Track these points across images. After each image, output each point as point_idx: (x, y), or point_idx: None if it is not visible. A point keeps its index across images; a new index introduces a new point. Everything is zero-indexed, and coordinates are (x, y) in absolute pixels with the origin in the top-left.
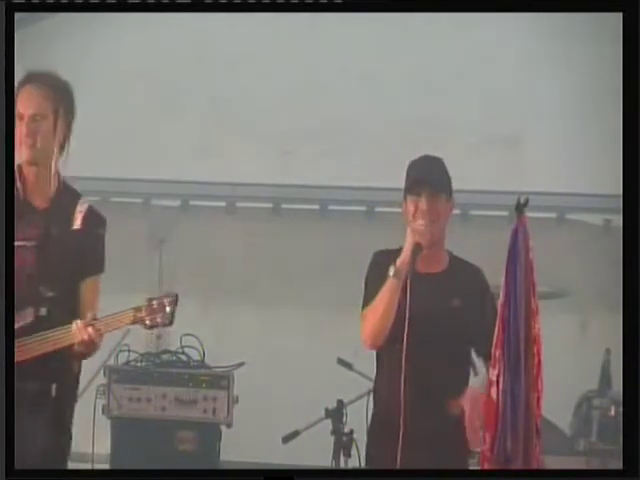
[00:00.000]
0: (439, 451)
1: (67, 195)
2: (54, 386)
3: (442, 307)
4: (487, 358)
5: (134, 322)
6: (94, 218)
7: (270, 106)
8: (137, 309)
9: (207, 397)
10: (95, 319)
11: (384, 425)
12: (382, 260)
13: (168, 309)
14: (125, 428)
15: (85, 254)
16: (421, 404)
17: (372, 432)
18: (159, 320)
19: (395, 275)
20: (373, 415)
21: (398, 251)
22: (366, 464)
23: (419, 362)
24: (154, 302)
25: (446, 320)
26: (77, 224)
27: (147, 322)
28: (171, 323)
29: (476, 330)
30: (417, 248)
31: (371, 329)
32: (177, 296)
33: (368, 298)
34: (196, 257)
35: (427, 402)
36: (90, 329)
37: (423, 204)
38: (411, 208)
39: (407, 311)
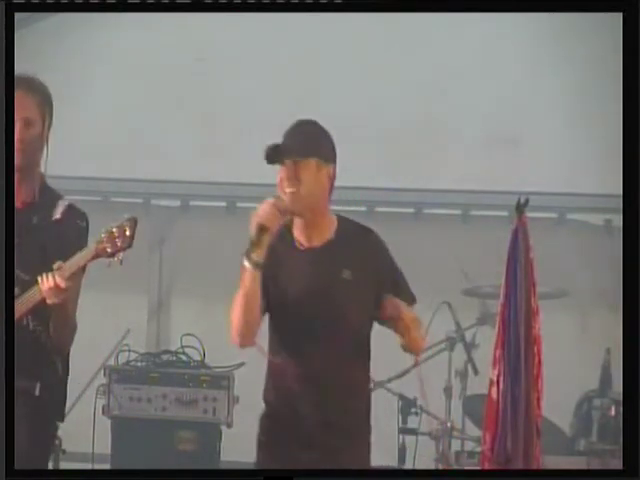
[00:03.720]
0: (341, 440)
1: (49, 195)
2: (38, 385)
3: (331, 281)
4: (390, 324)
5: (97, 255)
6: (74, 212)
7: (270, 106)
8: (98, 241)
9: (207, 397)
10: (59, 267)
11: (277, 416)
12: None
13: (128, 232)
14: (125, 428)
15: (66, 244)
16: (315, 395)
17: (263, 424)
18: (119, 244)
19: (249, 265)
20: (266, 407)
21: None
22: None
23: (310, 347)
24: (114, 229)
25: (337, 294)
26: (57, 215)
27: (108, 249)
28: (130, 245)
29: (372, 297)
30: (261, 231)
31: (236, 326)
32: (136, 220)
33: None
34: (196, 257)
35: (323, 393)
36: (55, 275)
37: (284, 171)
38: (278, 177)
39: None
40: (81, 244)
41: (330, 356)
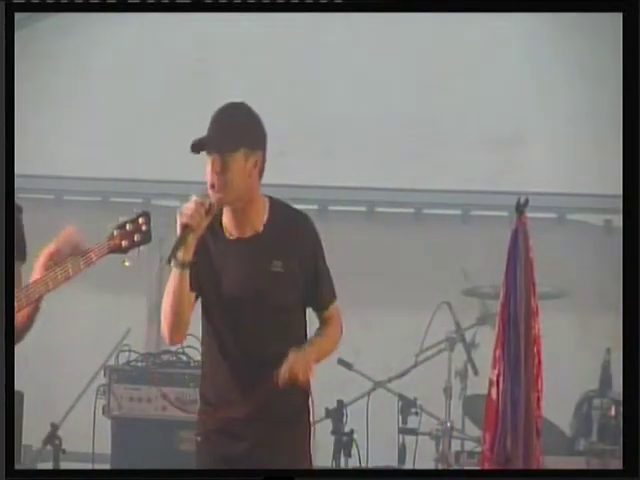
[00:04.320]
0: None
1: None
2: None
3: (261, 273)
4: (321, 315)
5: (111, 250)
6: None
7: (270, 106)
8: (110, 237)
9: None
10: (64, 266)
11: (214, 412)
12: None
13: (144, 227)
14: (125, 428)
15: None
16: (251, 388)
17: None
18: (137, 239)
19: (175, 265)
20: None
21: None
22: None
23: (245, 342)
24: (127, 224)
25: (268, 286)
26: None
27: (123, 244)
28: (149, 240)
29: (307, 286)
30: (186, 231)
31: (166, 325)
32: (149, 214)
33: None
34: None
35: (259, 385)
36: (69, 267)
37: (210, 165)
38: (206, 169)
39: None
40: (18, 240)
41: (264, 348)
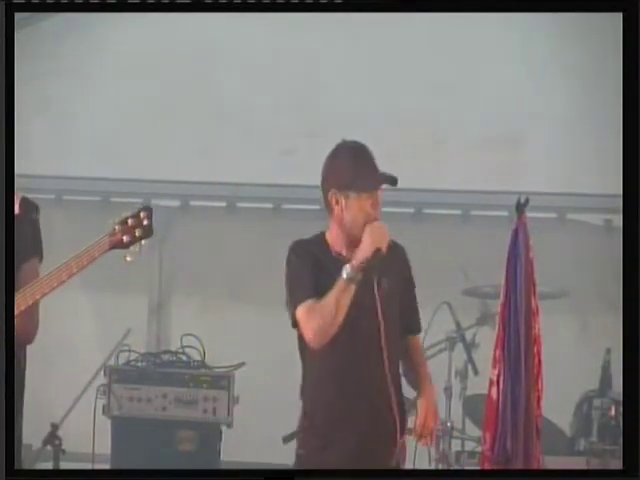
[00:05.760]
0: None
1: None
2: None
3: (371, 289)
4: (408, 342)
5: (113, 246)
6: (27, 204)
7: (270, 106)
8: (111, 233)
9: (207, 397)
10: (68, 264)
11: (318, 429)
12: (304, 251)
13: (146, 222)
14: (125, 428)
15: (24, 239)
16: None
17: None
18: (138, 234)
19: (350, 279)
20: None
21: (317, 239)
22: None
23: (353, 359)
24: (129, 220)
25: (376, 301)
26: (15, 210)
27: (125, 239)
28: (150, 235)
29: (404, 310)
30: (378, 254)
31: (320, 329)
32: (151, 209)
33: (302, 294)
34: (196, 257)
35: (366, 403)
36: (62, 270)
37: (377, 199)
38: (367, 203)
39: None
40: (35, 238)
41: (373, 367)
